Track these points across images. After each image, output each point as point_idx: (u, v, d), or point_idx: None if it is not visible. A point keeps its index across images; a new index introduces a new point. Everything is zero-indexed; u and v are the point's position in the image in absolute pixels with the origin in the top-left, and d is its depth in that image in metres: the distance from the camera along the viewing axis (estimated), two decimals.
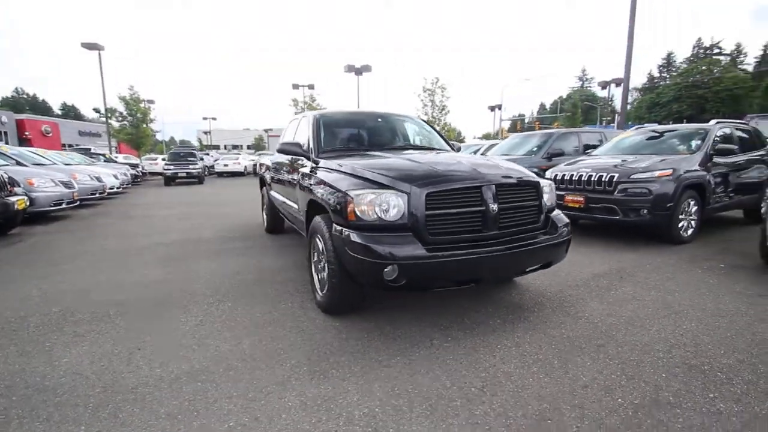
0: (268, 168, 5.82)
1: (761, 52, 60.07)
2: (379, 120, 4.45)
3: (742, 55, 61.55)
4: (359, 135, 4.22)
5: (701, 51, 60.42)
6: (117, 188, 12.55)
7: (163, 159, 23.40)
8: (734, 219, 6.55)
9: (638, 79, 66.90)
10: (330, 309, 2.95)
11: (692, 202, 5.10)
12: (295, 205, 3.98)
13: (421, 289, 2.78)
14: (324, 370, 2.22)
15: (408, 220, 2.44)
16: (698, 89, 52.87)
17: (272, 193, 5.50)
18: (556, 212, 3.08)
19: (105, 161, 17.08)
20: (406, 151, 3.75)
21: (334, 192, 2.72)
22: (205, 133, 67.32)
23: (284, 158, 4.62)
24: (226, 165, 24.53)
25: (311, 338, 2.62)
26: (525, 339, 2.56)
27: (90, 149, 21.09)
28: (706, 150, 5.38)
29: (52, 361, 2.38)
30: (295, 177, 3.91)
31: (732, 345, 2.43)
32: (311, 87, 31.18)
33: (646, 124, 12.49)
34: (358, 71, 22.77)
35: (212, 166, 25.41)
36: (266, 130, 65.18)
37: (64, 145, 35.29)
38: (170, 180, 18.32)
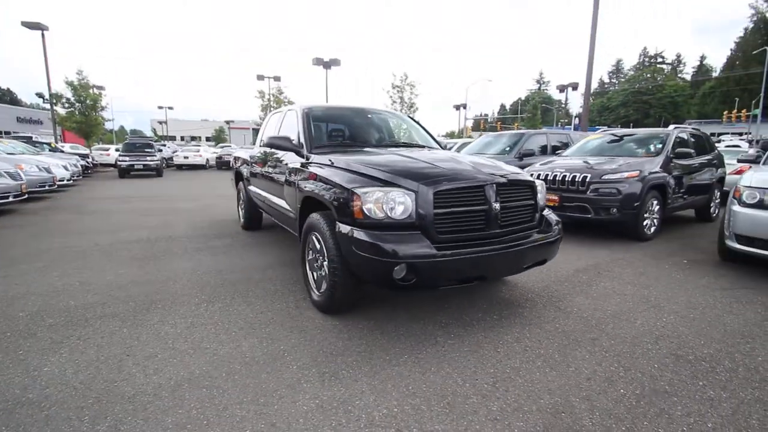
0: (245, 162, 5.61)
1: (698, 63, 65.44)
2: (369, 116, 4.40)
3: (681, 65, 66.78)
4: (351, 130, 4.15)
5: (647, 59, 64.88)
6: (68, 180, 11.60)
7: (117, 150, 21.88)
8: (688, 218, 7.11)
9: (591, 84, 70.83)
10: (328, 308, 2.90)
11: (655, 202, 5.48)
12: (282, 202, 3.87)
13: (430, 287, 2.79)
14: (334, 372, 2.18)
15: (415, 219, 2.44)
16: (643, 95, 56.83)
17: (251, 188, 5.32)
18: (547, 211, 3.20)
19: (50, 151, 15.71)
20: (399, 148, 3.75)
21: (336, 189, 2.67)
22: (160, 123, 63.67)
23: (267, 152, 4.47)
24: (186, 157, 23.39)
25: (313, 339, 2.57)
26: (524, 334, 2.65)
27: (31, 137, 19.32)
28: (667, 153, 5.80)
29: (30, 371, 2.17)
30: (283, 172, 3.80)
31: (709, 335, 2.65)
32: (277, 79, 30.31)
33: (609, 128, 13.21)
34: (327, 65, 22.37)
35: (171, 158, 24.12)
36: (228, 122, 62.74)
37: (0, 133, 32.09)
38: (125, 172, 17.21)
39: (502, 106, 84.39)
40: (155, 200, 9.59)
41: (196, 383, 2.07)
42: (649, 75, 57.97)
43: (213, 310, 3.02)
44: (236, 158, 6.38)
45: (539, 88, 74.94)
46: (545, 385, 2.07)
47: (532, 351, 2.43)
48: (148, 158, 17.65)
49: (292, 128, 3.97)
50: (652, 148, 6.17)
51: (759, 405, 1.92)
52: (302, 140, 3.68)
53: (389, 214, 2.42)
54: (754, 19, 49.46)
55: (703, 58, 65.15)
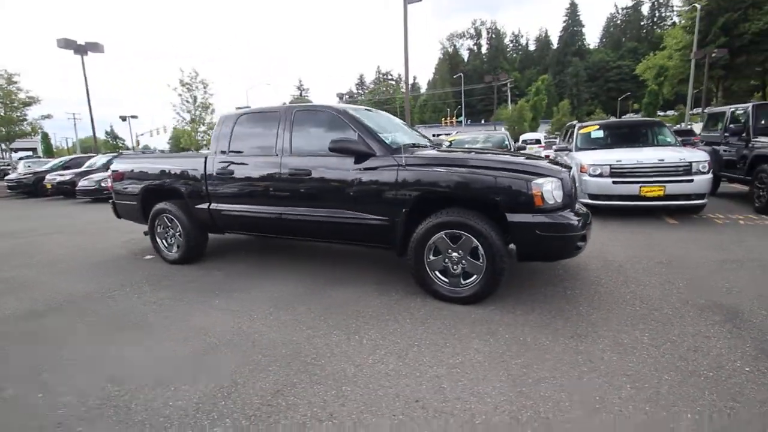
0: (188, 177, 4.31)
1: (413, 81, 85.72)
2: (374, 114, 4.32)
3: (402, 81, 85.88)
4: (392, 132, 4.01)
5: (381, 75, 79.77)
6: None
7: None
8: None
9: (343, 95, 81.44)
10: (478, 298, 3.07)
11: None
12: (342, 213, 3.47)
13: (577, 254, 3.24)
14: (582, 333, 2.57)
15: (563, 201, 3.02)
16: (383, 105, 70.02)
17: (224, 206, 4.16)
18: None
19: None
20: (441, 146, 4.05)
21: (503, 182, 2.91)
22: None
23: (290, 162, 3.74)
24: None
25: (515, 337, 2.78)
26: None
27: None
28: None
29: None
30: (354, 178, 3.41)
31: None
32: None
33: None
34: (82, 50, 16.61)
35: None
36: None
37: None
38: None
39: None
40: None
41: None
42: (384, 89, 71.79)
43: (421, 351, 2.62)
44: (142, 173, 4.67)
45: (300, 95, 79.82)
46: (673, 362, 3.15)
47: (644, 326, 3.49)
48: None
49: (346, 130, 3.53)
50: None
51: None
52: (382, 141, 3.46)
53: (557, 200, 2.92)
54: (443, 51, 69.14)
55: (415, 78, 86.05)
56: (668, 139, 6.97)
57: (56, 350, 2.66)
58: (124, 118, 31.43)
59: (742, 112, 7.02)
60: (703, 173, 5.71)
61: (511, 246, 3.13)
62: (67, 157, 18.05)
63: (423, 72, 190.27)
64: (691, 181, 5.68)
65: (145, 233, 5.07)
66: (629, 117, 55.15)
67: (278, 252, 4.99)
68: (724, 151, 7.45)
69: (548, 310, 2.96)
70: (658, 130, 7.18)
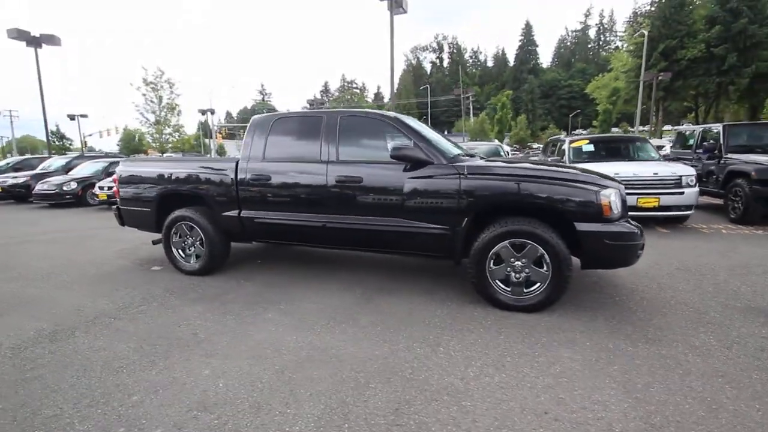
0: (225, 184, 4.04)
1: (376, 90, 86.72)
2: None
3: (366, 91, 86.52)
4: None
5: (346, 83, 79.91)
6: None
7: None
8: None
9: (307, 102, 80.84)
10: (542, 306, 3.12)
11: None
12: (400, 221, 3.41)
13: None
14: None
15: (622, 211, 3.16)
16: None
17: (262, 214, 3.93)
18: None
19: None
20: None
21: (572, 193, 2.99)
22: None
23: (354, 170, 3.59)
24: None
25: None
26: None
27: None
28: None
29: None
30: (412, 187, 3.36)
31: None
32: None
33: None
34: (35, 42, 14.98)
35: None
36: None
37: None
38: None
39: (228, 114, 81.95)
40: None
41: None
42: (349, 97, 71.87)
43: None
44: (159, 177, 4.30)
45: (263, 99, 78.00)
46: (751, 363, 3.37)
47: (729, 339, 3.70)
48: None
49: (405, 139, 3.48)
50: None
51: None
52: (443, 151, 3.46)
53: (618, 210, 3.05)
54: (407, 63, 70.56)
55: (379, 87, 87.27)
56: (652, 154, 7.53)
57: (113, 376, 2.37)
58: (72, 117, 28.95)
59: (714, 131, 7.75)
60: (691, 186, 6.21)
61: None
62: (16, 158, 16.35)
63: (387, 82, 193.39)
64: (682, 193, 6.15)
65: (155, 242, 4.70)
66: (580, 132, 59.10)
67: (297, 261, 4.79)
68: (693, 166, 8.18)
69: (609, 317, 3.07)
70: (642, 146, 7.74)
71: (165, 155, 21.77)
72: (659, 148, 12.66)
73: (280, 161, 3.88)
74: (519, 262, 3.13)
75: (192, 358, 2.55)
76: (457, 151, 3.74)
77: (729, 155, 7.18)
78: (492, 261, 3.19)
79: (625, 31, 49.60)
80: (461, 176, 3.24)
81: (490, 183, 3.19)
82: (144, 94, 20.11)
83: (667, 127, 42.95)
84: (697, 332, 2.80)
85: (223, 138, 40.92)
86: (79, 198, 10.68)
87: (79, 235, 6.94)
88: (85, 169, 11.62)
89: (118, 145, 49.23)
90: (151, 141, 21.48)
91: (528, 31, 79.60)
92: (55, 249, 5.86)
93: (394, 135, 3.62)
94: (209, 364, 2.48)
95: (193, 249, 4.30)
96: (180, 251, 4.36)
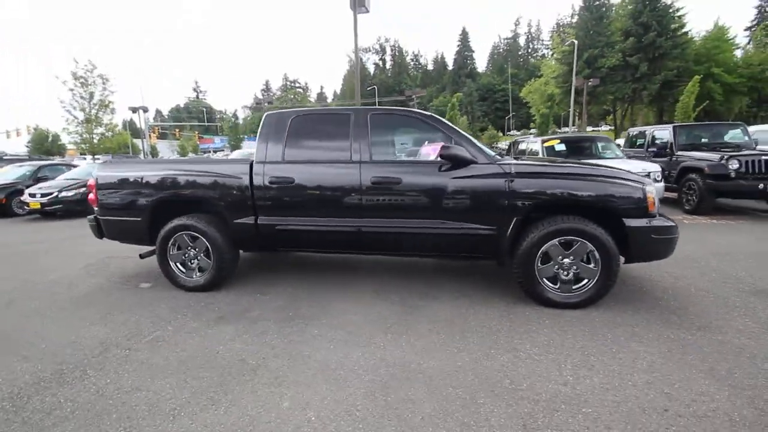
0: (238, 189, 3.60)
1: (319, 90, 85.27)
2: None
3: (309, 90, 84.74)
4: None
5: (288, 83, 77.55)
6: None
7: None
8: None
9: (246, 101, 77.08)
10: (591, 301, 3.17)
11: None
12: (445, 224, 3.28)
13: None
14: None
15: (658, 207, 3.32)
16: None
17: (285, 220, 3.57)
18: None
19: None
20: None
21: (621, 190, 3.08)
22: None
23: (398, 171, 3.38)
24: None
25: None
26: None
27: None
28: None
29: None
30: (456, 187, 3.25)
31: None
32: None
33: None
34: None
35: None
36: None
37: None
38: None
39: (158, 112, 75.17)
40: None
41: None
42: (291, 96, 69.84)
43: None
44: (156, 182, 3.73)
45: (197, 97, 72.88)
46: None
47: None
48: None
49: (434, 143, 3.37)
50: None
51: None
52: (481, 150, 3.36)
53: (658, 205, 3.19)
54: (351, 64, 70.23)
55: (322, 87, 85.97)
56: (617, 153, 8.16)
57: (172, 422, 1.96)
58: None
59: (665, 131, 8.59)
60: (658, 181, 6.81)
61: None
62: None
63: (329, 82, 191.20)
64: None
65: (143, 256, 4.11)
66: (514, 133, 62.98)
67: (301, 270, 4.45)
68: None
69: (649, 308, 3.19)
70: (607, 145, 8.35)
71: (102, 158, 19.45)
72: None
73: (304, 162, 3.56)
74: (567, 260, 3.15)
75: (259, 390, 2.20)
76: (491, 151, 3.70)
77: (679, 152, 8.00)
78: (540, 260, 3.19)
79: (551, 39, 53.83)
80: (509, 176, 3.19)
81: (541, 182, 3.18)
82: (72, 89, 17.66)
83: (589, 129, 47.37)
84: (732, 316, 3.01)
85: (158, 138, 37.50)
86: (2, 206, 9.12)
87: (21, 251, 5.89)
88: (7, 174, 9.94)
89: (27, 146, 43.11)
90: (79, 141, 18.90)
91: (465, 37, 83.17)
92: (2, 269, 4.90)
93: (429, 133, 3.49)
94: (283, 394, 2.17)
95: (195, 262, 3.80)
96: (179, 265, 3.84)
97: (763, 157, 6.67)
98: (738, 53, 39.37)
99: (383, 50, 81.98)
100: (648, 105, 41.84)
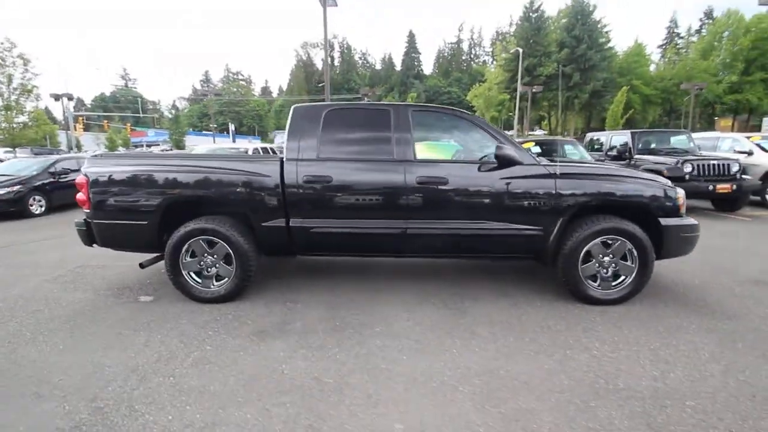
0: (267, 188, 3.26)
1: (264, 84, 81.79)
2: None
3: (253, 83, 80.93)
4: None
5: (231, 74, 73.39)
6: None
7: None
8: None
9: (185, 92, 71.59)
10: (629, 297, 3.32)
11: None
12: (494, 224, 3.25)
13: None
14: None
15: None
16: (236, 106, 64.63)
17: (323, 222, 3.30)
18: None
19: None
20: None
21: (661, 190, 3.27)
22: None
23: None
24: None
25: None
26: None
27: None
28: None
29: None
30: (503, 187, 3.23)
31: None
32: None
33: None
34: None
35: None
36: None
37: None
38: None
39: (80, 101, 66.68)
40: None
41: None
42: (235, 89, 66.29)
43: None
44: (165, 180, 3.25)
45: (126, 85, 66.15)
46: None
47: None
48: None
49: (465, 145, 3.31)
50: None
51: None
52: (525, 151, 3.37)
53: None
54: (298, 59, 68.30)
55: (267, 82, 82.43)
56: (585, 155, 8.74)
57: None
58: None
59: (623, 137, 9.38)
60: None
61: None
62: None
63: (275, 76, 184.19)
64: None
65: (144, 265, 3.61)
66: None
67: (313, 274, 4.20)
68: None
69: (674, 301, 3.42)
70: (575, 147, 8.93)
71: (20, 152, 16.78)
72: None
73: (342, 160, 3.33)
74: (607, 258, 3.28)
75: (359, 413, 2.00)
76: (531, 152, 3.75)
77: (638, 156, 8.77)
78: (582, 259, 3.28)
79: (493, 46, 56.67)
80: (555, 177, 3.24)
81: (586, 183, 3.26)
82: None
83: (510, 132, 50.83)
84: (747, 305, 3.32)
85: (83, 130, 33.41)
86: None
87: None
88: None
89: None
90: None
91: (412, 39, 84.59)
92: None
93: (473, 133, 3.43)
94: (388, 415, 1.98)
95: (213, 269, 3.40)
96: (193, 274, 3.41)
97: (712, 161, 7.54)
98: (652, 68, 44.43)
99: (331, 47, 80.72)
100: (579, 112, 45.70)
